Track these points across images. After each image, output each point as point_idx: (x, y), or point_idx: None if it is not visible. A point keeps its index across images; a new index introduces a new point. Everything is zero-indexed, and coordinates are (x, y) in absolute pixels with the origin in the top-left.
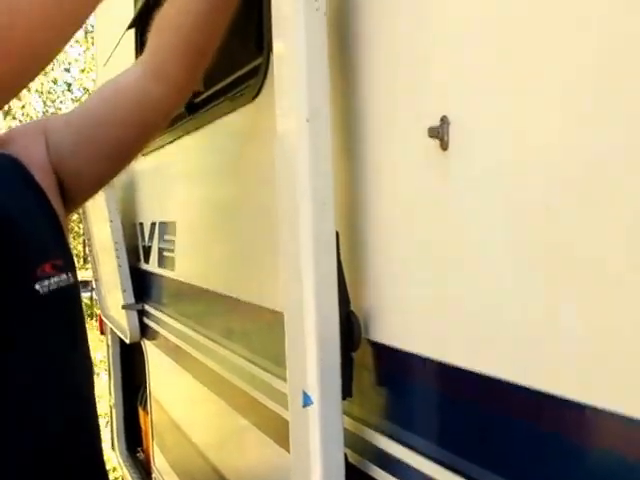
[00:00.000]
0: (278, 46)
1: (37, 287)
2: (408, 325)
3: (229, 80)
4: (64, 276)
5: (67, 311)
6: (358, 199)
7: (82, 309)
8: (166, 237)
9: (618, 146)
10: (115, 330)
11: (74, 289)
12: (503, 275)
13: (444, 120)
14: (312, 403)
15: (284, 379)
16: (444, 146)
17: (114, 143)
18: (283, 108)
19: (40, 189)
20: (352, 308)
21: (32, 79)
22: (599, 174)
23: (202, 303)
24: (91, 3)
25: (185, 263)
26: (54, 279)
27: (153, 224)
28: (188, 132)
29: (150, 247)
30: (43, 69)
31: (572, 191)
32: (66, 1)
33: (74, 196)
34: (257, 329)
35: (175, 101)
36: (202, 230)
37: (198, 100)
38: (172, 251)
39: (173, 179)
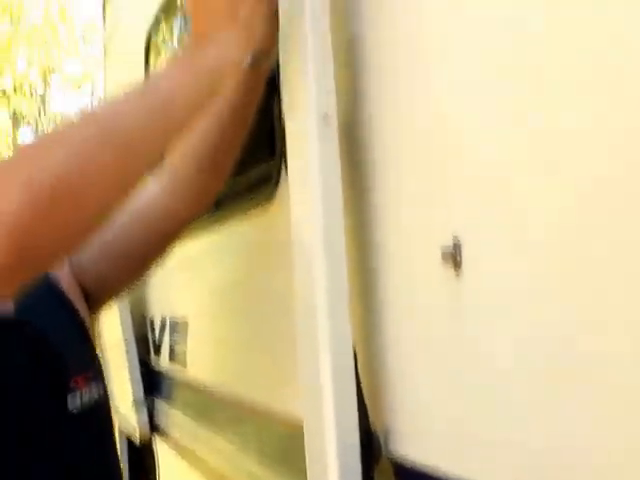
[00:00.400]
0: (292, 161)
1: (69, 400)
2: (426, 442)
3: (243, 183)
4: (95, 387)
5: (98, 421)
6: (375, 316)
7: (111, 417)
8: (178, 334)
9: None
10: (124, 429)
11: (105, 398)
12: (516, 399)
13: (456, 241)
14: None
15: None
16: (457, 267)
17: (135, 255)
18: (298, 220)
19: (67, 298)
20: (371, 425)
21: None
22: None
23: (217, 404)
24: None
25: (198, 362)
26: (85, 390)
27: (164, 319)
28: (202, 230)
29: (161, 342)
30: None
31: (589, 318)
32: (133, 158)
33: (97, 299)
34: (272, 436)
35: (195, 213)
36: (216, 331)
37: None
38: (184, 348)
39: (186, 276)
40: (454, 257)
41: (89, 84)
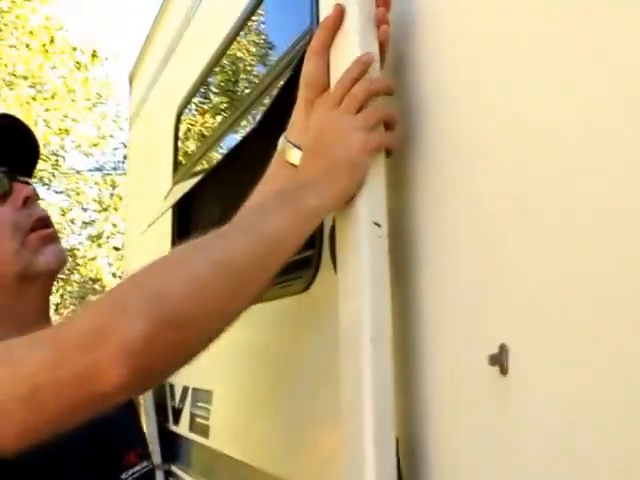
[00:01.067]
0: (342, 267)
1: (123, 477)
2: None
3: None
4: (145, 463)
5: None
6: (418, 411)
7: None
8: (200, 404)
9: None
10: None
11: (152, 472)
12: None
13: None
14: None
15: None
16: (504, 371)
17: None
18: (346, 328)
19: None
20: None
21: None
22: None
23: (240, 476)
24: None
25: (222, 434)
26: (137, 467)
27: (186, 388)
28: None
29: (181, 410)
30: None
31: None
32: (242, 289)
33: None
34: None
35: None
36: (243, 406)
37: None
38: (207, 419)
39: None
40: (501, 362)
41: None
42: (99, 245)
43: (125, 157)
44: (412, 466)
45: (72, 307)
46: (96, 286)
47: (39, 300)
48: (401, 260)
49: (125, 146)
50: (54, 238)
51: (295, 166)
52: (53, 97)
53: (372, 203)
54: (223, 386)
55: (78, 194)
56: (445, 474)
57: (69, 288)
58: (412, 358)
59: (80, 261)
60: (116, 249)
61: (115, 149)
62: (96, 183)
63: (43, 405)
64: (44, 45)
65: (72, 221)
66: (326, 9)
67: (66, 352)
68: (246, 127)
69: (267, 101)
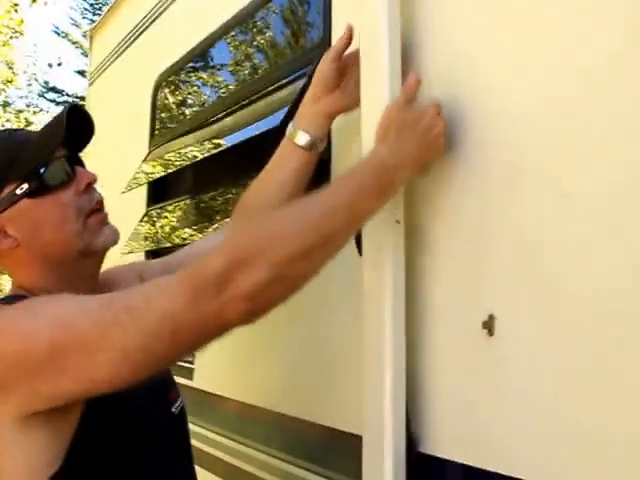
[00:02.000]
0: (366, 250)
1: (173, 410)
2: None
3: None
4: (180, 398)
5: (185, 418)
6: (423, 362)
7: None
8: None
9: None
10: None
11: (184, 405)
12: (532, 416)
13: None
14: None
15: None
16: (491, 333)
17: None
18: (369, 296)
19: None
20: (412, 432)
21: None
22: None
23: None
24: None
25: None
26: (178, 402)
27: None
28: None
29: None
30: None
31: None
32: (334, 241)
33: None
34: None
35: None
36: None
37: None
38: (191, 363)
39: None
40: (489, 326)
41: None
42: None
43: (41, 95)
44: (416, 398)
45: None
46: None
47: (94, 270)
48: (413, 246)
49: (48, 87)
50: (108, 220)
51: (303, 148)
52: None
53: (395, 204)
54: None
55: None
56: (442, 406)
57: None
58: (422, 321)
59: None
60: None
61: (29, 84)
62: (8, 120)
63: (179, 341)
64: None
65: None
66: (338, 25)
67: (201, 295)
68: (226, 111)
69: (251, 95)
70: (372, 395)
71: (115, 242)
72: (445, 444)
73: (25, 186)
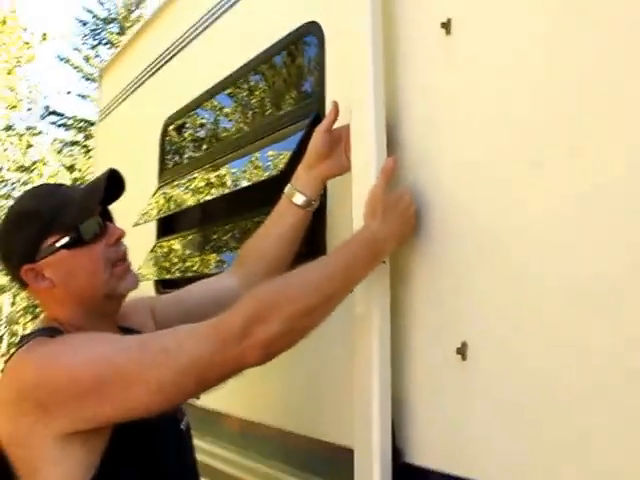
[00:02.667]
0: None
1: (181, 426)
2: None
3: None
4: (185, 417)
5: (191, 440)
6: (403, 380)
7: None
8: None
9: None
10: None
11: (189, 423)
12: (502, 433)
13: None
14: None
15: None
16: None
17: None
18: (360, 323)
19: None
20: (396, 442)
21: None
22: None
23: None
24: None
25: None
26: (184, 421)
27: None
28: None
29: None
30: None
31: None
32: (333, 302)
33: None
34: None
35: None
36: None
37: None
38: None
39: None
40: (462, 352)
41: None
42: None
43: (42, 117)
44: (401, 414)
45: None
46: None
47: (116, 309)
48: (397, 283)
49: (49, 111)
50: (131, 268)
51: (299, 206)
52: None
53: None
54: None
55: None
56: (423, 421)
57: None
58: (405, 348)
59: None
60: None
61: (29, 109)
62: (11, 143)
63: (205, 378)
64: None
65: None
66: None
67: (226, 343)
68: (227, 154)
69: (251, 145)
70: (362, 413)
71: (135, 287)
72: (426, 455)
73: (65, 240)
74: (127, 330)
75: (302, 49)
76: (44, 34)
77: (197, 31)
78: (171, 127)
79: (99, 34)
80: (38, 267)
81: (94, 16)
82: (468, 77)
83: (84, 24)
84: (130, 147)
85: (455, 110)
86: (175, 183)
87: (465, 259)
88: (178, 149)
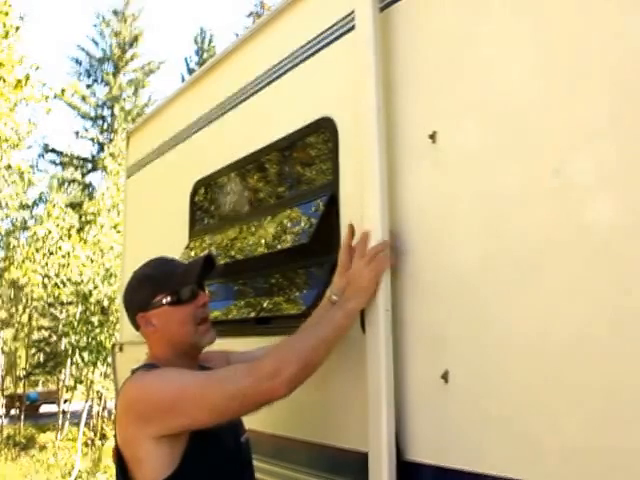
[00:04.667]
0: (368, 328)
1: (241, 440)
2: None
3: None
4: (246, 433)
5: (250, 454)
6: (402, 396)
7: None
8: None
9: None
10: None
11: (249, 441)
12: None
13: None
14: None
15: None
16: (447, 381)
17: None
18: (371, 355)
19: None
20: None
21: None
22: None
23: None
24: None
25: None
26: (245, 435)
27: None
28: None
29: None
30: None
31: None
32: (319, 359)
33: None
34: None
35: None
36: None
37: (269, 316)
38: None
39: None
40: (445, 377)
41: None
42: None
43: (40, 155)
44: (401, 423)
45: None
46: None
47: (197, 355)
48: (397, 325)
49: (46, 148)
50: (211, 326)
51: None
52: None
53: (385, 295)
54: None
55: None
56: (417, 428)
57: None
58: (404, 374)
59: None
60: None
61: (29, 147)
62: (14, 182)
63: (244, 405)
64: (19, 81)
65: None
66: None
67: (260, 380)
68: (252, 218)
69: (270, 218)
70: (373, 423)
71: (213, 342)
72: (421, 452)
73: (169, 298)
74: (206, 369)
75: (319, 138)
76: (63, 89)
77: (227, 107)
78: (200, 190)
79: (94, 73)
80: (148, 315)
81: (89, 55)
82: (451, 175)
83: (79, 63)
84: (161, 204)
85: (441, 200)
86: (204, 239)
87: (445, 311)
88: (206, 210)
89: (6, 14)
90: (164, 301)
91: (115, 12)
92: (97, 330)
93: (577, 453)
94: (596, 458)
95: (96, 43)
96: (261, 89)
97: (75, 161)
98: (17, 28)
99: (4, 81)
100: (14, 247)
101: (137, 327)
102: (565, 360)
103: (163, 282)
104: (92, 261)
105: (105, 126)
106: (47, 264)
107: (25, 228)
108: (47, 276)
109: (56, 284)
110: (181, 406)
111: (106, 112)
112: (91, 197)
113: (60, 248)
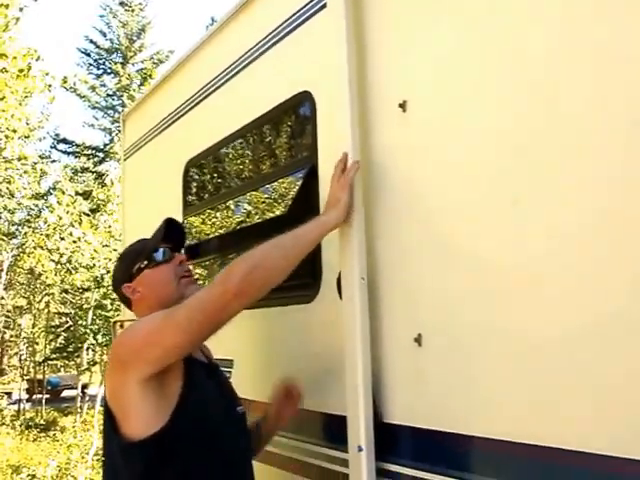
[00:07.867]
0: (345, 296)
1: (238, 409)
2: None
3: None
4: (242, 406)
5: (246, 426)
6: (377, 363)
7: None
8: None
9: None
10: None
11: (245, 414)
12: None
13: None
14: (363, 450)
15: None
16: (420, 345)
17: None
18: (347, 325)
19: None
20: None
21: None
22: None
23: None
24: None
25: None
26: (240, 407)
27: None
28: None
29: None
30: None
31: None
32: (288, 265)
33: None
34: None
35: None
36: (254, 366)
37: None
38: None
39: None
40: (419, 341)
41: None
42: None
43: (53, 147)
44: (378, 387)
45: None
46: None
47: None
48: (372, 293)
49: (57, 138)
50: (194, 281)
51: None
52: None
53: (360, 265)
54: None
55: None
56: (394, 390)
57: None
58: (379, 338)
59: None
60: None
61: (40, 139)
62: (25, 172)
63: (207, 314)
64: (21, 71)
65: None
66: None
67: (214, 286)
68: (242, 193)
69: (258, 184)
70: (351, 387)
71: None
72: (397, 414)
73: (146, 262)
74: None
75: (300, 111)
76: (64, 78)
77: (212, 88)
78: (192, 169)
79: (103, 64)
80: (132, 285)
81: (97, 46)
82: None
83: (87, 54)
84: (156, 184)
85: (408, 161)
86: (197, 216)
87: (420, 275)
88: (198, 187)
89: (7, 6)
90: (142, 266)
91: (122, 3)
92: (110, 313)
93: (544, 406)
94: (558, 410)
95: (104, 34)
96: (244, 68)
97: (87, 150)
98: (17, 19)
99: (6, 72)
100: (27, 234)
101: (128, 303)
102: (526, 316)
103: (139, 253)
104: (104, 246)
105: (116, 116)
106: (58, 248)
107: (38, 217)
108: (59, 262)
109: (68, 270)
110: (151, 337)
111: (116, 102)
112: (103, 185)
113: (71, 234)
